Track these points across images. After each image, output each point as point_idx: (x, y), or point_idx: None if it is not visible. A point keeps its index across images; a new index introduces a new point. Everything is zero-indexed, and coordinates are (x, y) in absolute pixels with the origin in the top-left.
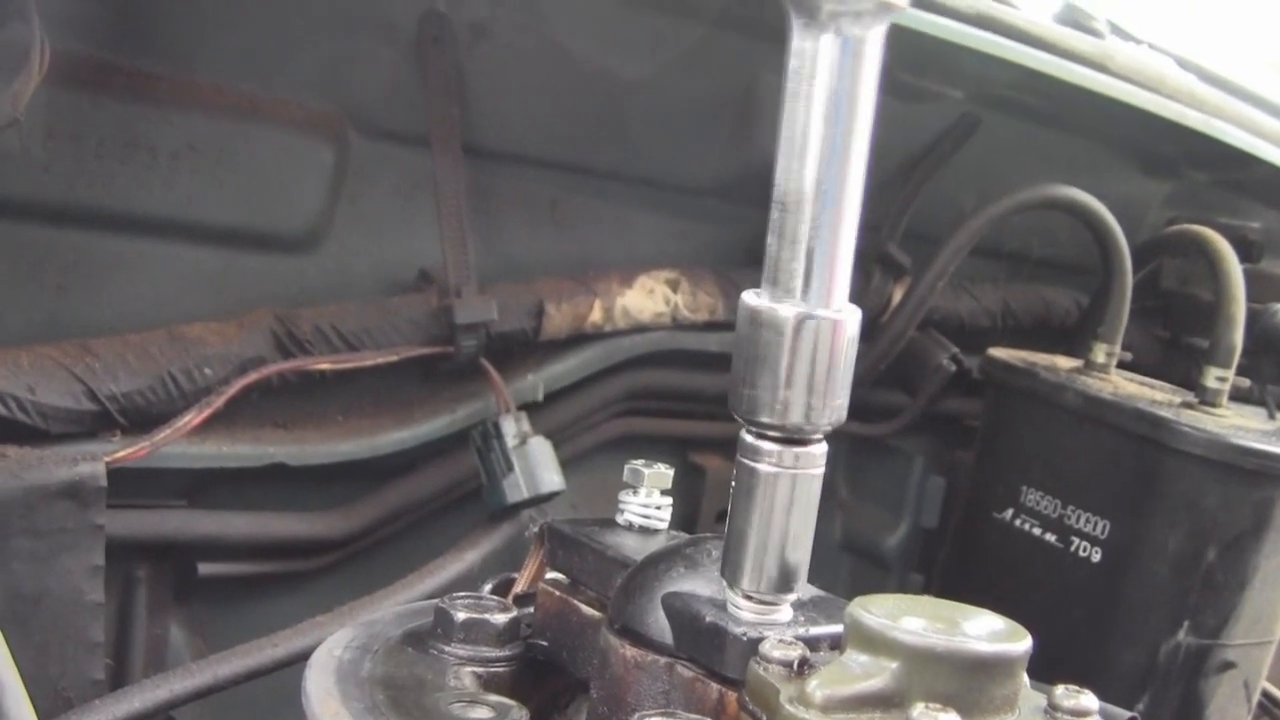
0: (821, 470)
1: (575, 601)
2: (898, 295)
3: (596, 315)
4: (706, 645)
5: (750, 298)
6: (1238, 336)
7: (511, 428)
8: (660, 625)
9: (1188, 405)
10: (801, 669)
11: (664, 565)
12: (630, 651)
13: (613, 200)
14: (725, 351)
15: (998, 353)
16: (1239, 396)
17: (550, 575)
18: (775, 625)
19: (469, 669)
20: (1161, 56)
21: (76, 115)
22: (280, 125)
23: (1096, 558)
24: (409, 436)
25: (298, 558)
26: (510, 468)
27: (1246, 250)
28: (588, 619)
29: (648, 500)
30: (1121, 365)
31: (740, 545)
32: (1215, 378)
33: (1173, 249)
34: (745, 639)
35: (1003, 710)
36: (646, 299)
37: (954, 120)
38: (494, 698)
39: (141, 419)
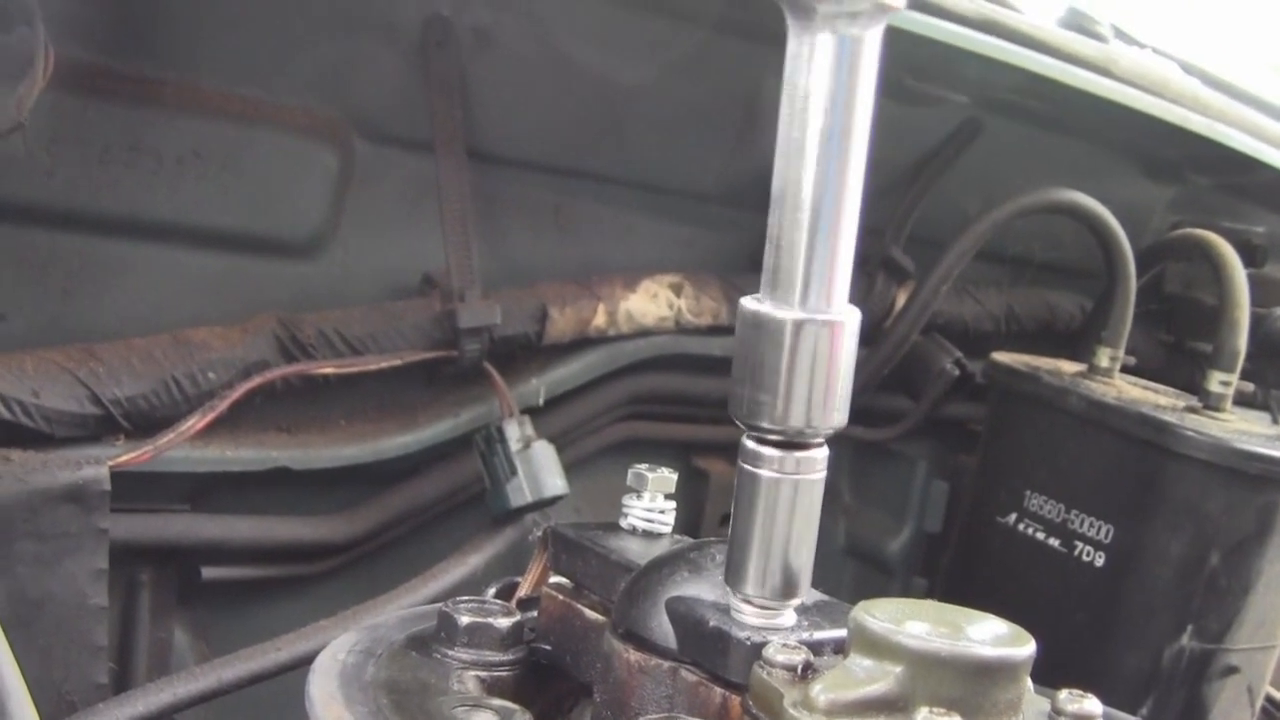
0: (823, 474)
1: (579, 606)
2: (901, 300)
3: (600, 319)
4: (710, 650)
5: (749, 302)
6: (1241, 341)
7: (515, 432)
8: (664, 630)
9: (1191, 410)
10: (805, 673)
11: (668, 570)
12: (634, 656)
13: (616, 205)
14: (728, 356)
15: (1001, 357)
16: (1243, 401)
17: (554, 579)
18: (779, 630)
19: (472, 673)
20: (1165, 61)
21: (81, 120)
22: (285, 130)
23: (1100, 562)
24: (412, 440)
25: (301, 562)
26: (513, 472)
27: (1250, 255)
28: (591, 623)
29: (652, 504)
30: (1125, 369)
31: (743, 550)
32: (1219, 382)
33: (1176, 253)
34: (749, 643)
35: (1006, 715)
36: (650, 303)
37: (958, 124)
38: (497, 702)
39: (145, 423)
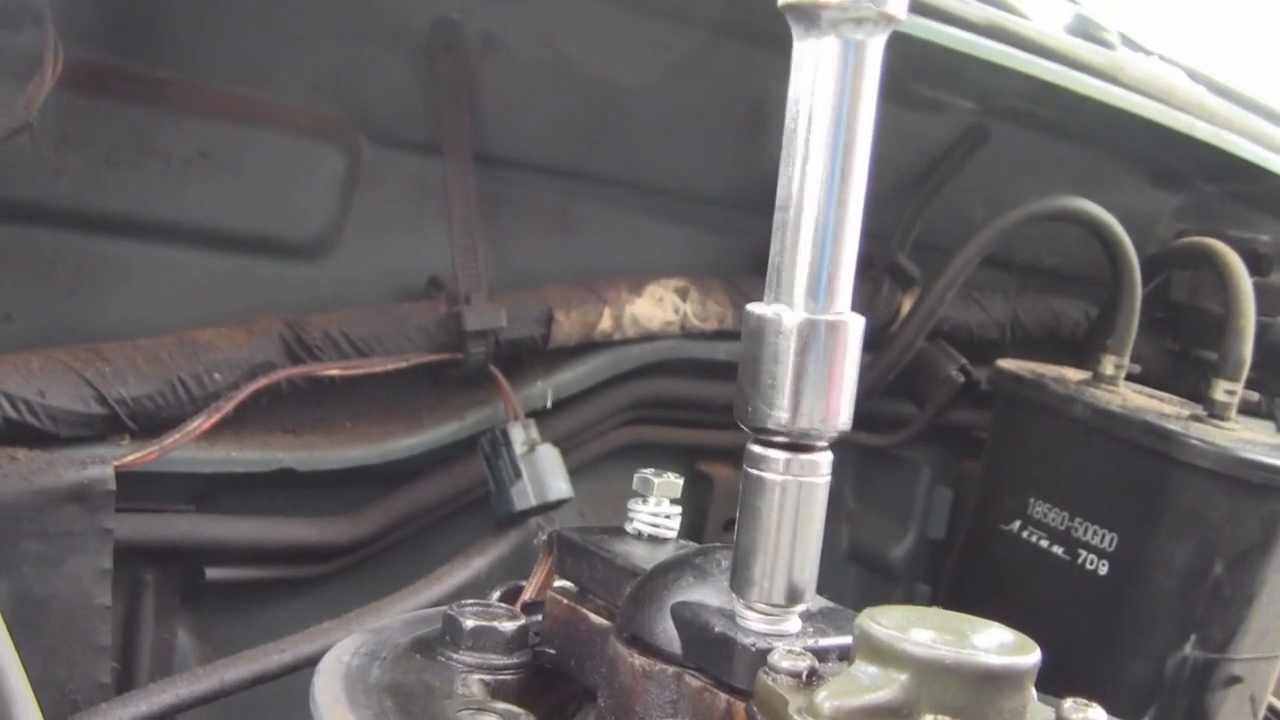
0: (827, 478)
1: (583, 610)
2: (907, 305)
3: (606, 323)
4: (715, 655)
5: (754, 306)
6: (1247, 350)
7: (520, 435)
8: (669, 634)
9: (1196, 418)
10: (810, 680)
11: (673, 574)
12: (638, 660)
13: (622, 209)
14: (734, 360)
15: (1006, 364)
16: (1248, 410)
17: (558, 583)
18: (784, 636)
19: (477, 676)
20: (1172, 68)
21: (89, 121)
22: (292, 132)
23: (1104, 570)
24: (417, 443)
25: (305, 563)
26: (518, 475)
27: (1256, 263)
28: (596, 627)
29: (657, 509)
30: (1130, 377)
31: (748, 555)
32: (1224, 391)
33: (1182, 261)
34: (754, 649)
35: None
36: (656, 307)
37: (964, 131)
38: (501, 705)
39: (150, 423)
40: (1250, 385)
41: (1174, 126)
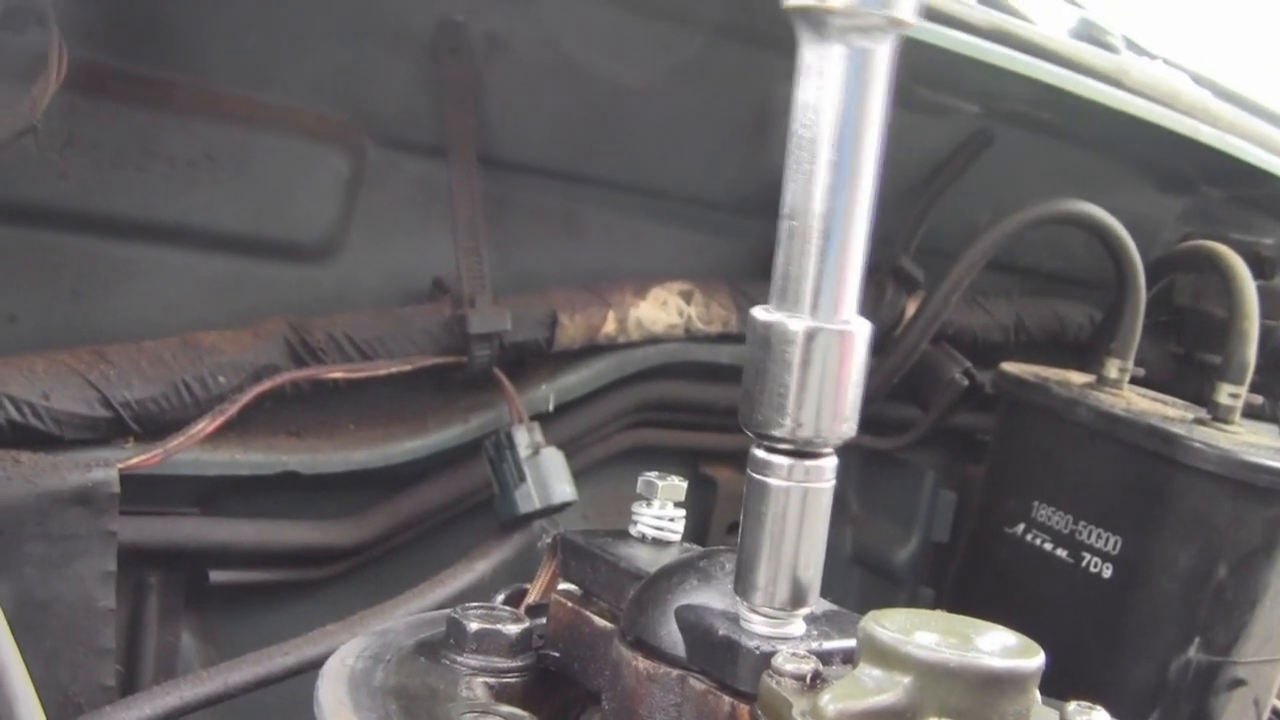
0: (832, 484)
1: (587, 613)
2: (911, 309)
3: (610, 326)
4: (719, 658)
5: (760, 312)
6: (1251, 353)
7: (524, 438)
8: (673, 637)
9: (1200, 421)
10: (814, 683)
11: (677, 578)
12: (642, 663)
13: (626, 211)
14: (738, 364)
15: (1010, 367)
16: (1252, 413)
17: (563, 586)
18: (788, 639)
19: (481, 679)
20: (1177, 72)
21: (94, 123)
22: (296, 134)
23: (1107, 574)
24: (422, 446)
25: (309, 566)
26: (522, 478)
27: (1260, 266)
28: (600, 630)
29: (661, 512)
30: (1134, 381)
31: (752, 559)
32: (1228, 394)
33: (1186, 265)
34: (758, 652)
35: None
36: (660, 310)
37: (969, 134)
38: (505, 708)
39: (155, 426)
40: (1254, 389)
41: (1178, 130)
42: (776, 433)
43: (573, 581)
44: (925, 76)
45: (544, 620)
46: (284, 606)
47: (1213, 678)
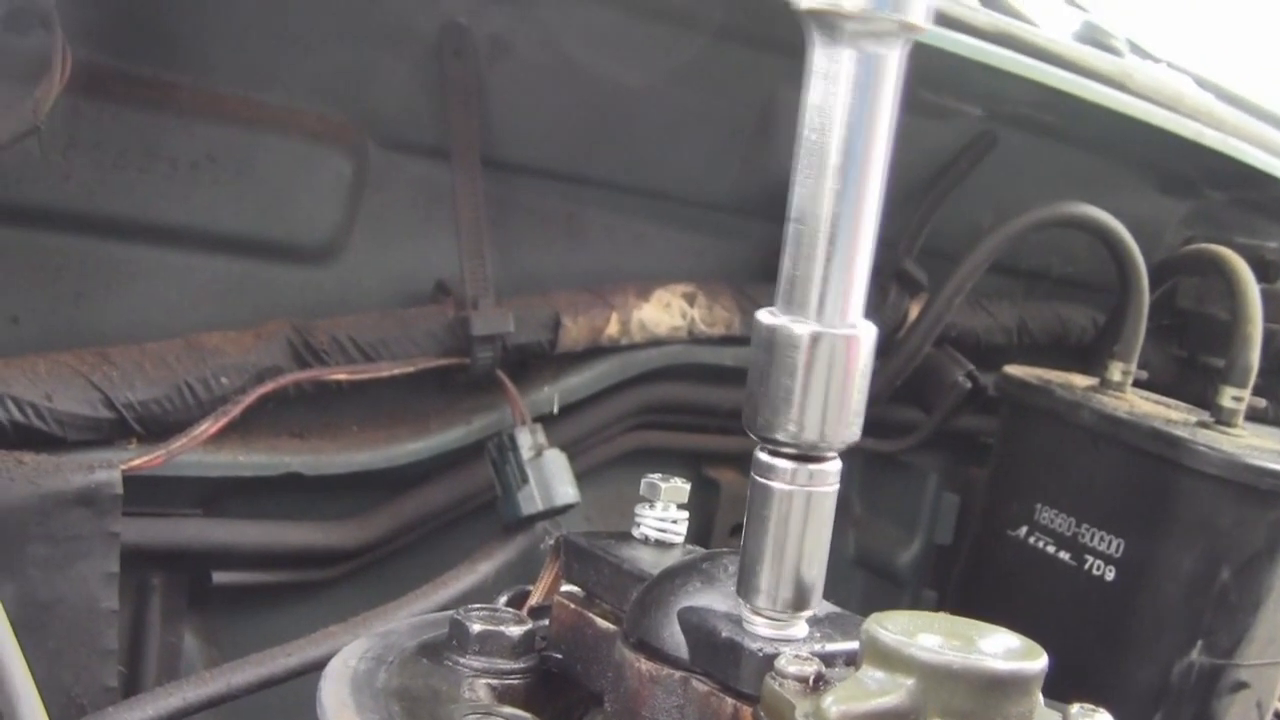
0: (836, 488)
1: (590, 614)
2: (914, 312)
3: (613, 328)
4: (722, 660)
5: (765, 315)
6: (1254, 356)
7: (527, 440)
8: (676, 639)
9: (1203, 425)
10: (817, 685)
11: (680, 580)
12: (645, 665)
13: (629, 214)
14: (740, 366)
15: (1013, 370)
16: (1255, 416)
17: (565, 588)
18: (791, 641)
19: (484, 681)
20: (1180, 75)
21: (97, 124)
22: (299, 136)
23: (1110, 576)
24: (424, 447)
25: (312, 567)
26: (525, 480)
27: (1263, 270)
28: (603, 632)
29: (664, 514)
30: (1137, 384)
31: (756, 562)
32: (1231, 397)
33: (1189, 268)
34: (761, 654)
35: None
36: (663, 312)
37: (972, 137)
38: (508, 710)
39: (158, 427)
40: (1257, 392)
41: (1182, 133)
42: (780, 436)
43: (575, 583)
44: (929, 79)
45: (546, 622)
46: (287, 608)
47: (1215, 680)
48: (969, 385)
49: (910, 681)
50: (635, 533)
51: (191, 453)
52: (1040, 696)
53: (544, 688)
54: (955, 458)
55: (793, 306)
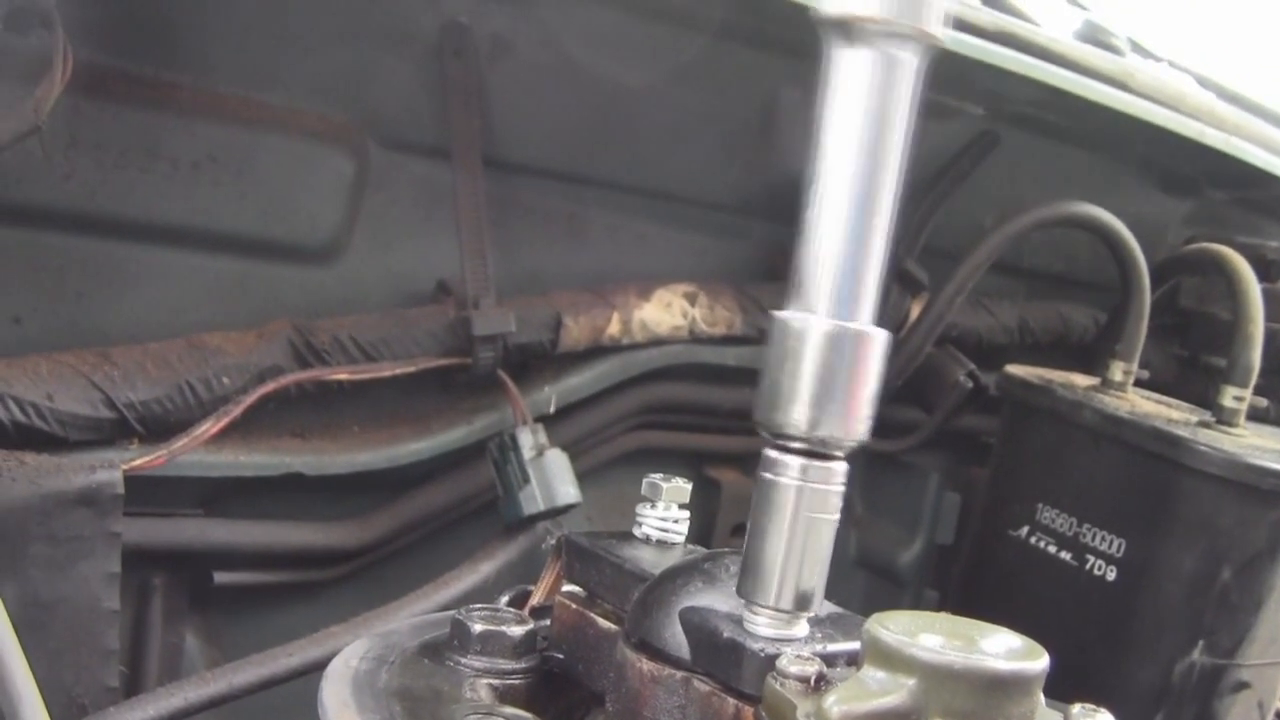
0: (842, 487)
1: (592, 614)
2: (915, 311)
3: (614, 328)
4: (724, 660)
5: (781, 313)
6: (1256, 356)
7: (528, 440)
8: (677, 639)
9: (1205, 424)
10: (818, 685)
11: (682, 580)
12: (647, 665)
13: (630, 213)
14: (742, 366)
15: (1015, 370)
16: (1256, 416)
17: (567, 588)
18: (792, 641)
19: (485, 681)
20: (1182, 74)
21: (98, 124)
22: (300, 135)
23: (1112, 576)
24: (426, 447)
25: (313, 567)
26: (526, 480)
27: (1265, 269)
28: (604, 632)
29: (665, 514)
30: (1139, 383)
31: (759, 561)
32: (1233, 397)
33: (1191, 267)
34: (762, 654)
35: None
36: (664, 312)
37: (973, 136)
38: (509, 710)
39: (159, 427)
40: (1259, 391)
41: (1183, 133)
42: (790, 431)
43: (577, 583)
44: (930, 78)
45: (548, 622)
46: (288, 608)
47: (1217, 680)
48: (970, 385)
49: (912, 681)
50: (637, 533)
51: (193, 453)
52: (1041, 696)
53: (545, 688)
54: (956, 457)
55: (807, 303)
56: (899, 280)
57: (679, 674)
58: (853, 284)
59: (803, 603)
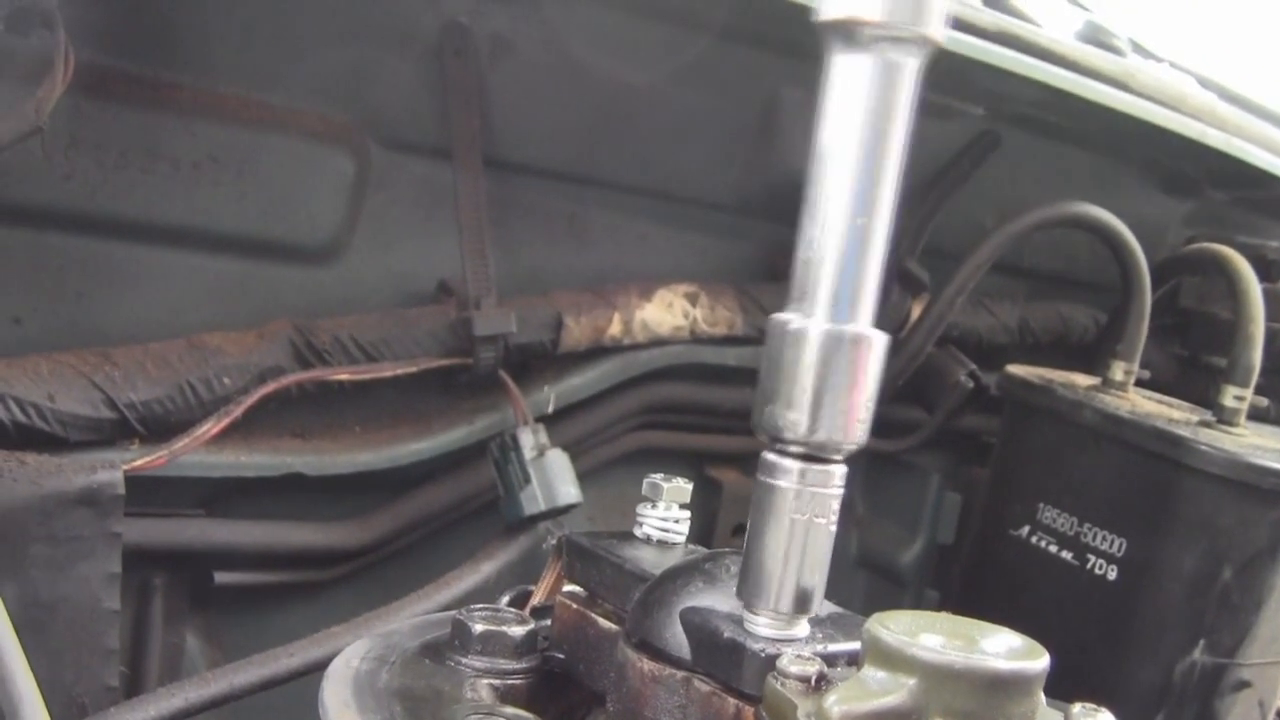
0: (841, 491)
1: (593, 614)
2: (916, 312)
3: (615, 328)
4: (724, 660)
5: (779, 315)
6: (1256, 355)
7: (529, 440)
8: (678, 640)
9: (1205, 424)
10: (819, 685)
11: (682, 580)
12: (647, 665)
13: (631, 213)
14: (743, 366)
15: (1015, 370)
16: (1257, 416)
17: (568, 588)
18: (793, 641)
19: (486, 681)
20: (1183, 75)
21: (99, 124)
22: (301, 136)
23: (1113, 576)
24: (427, 447)
25: (314, 568)
26: (527, 480)
27: (1265, 269)
28: (605, 632)
29: (666, 514)
30: (1139, 383)
31: (758, 563)
32: (1233, 396)
33: (1191, 267)
34: (763, 655)
35: None
36: (665, 312)
37: (974, 137)
38: (510, 710)
39: (160, 427)
40: (1259, 391)
41: (1184, 133)
42: (788, 435)
43: (578, 583)
44: (931, 79)
45: (549, 622)
46: (289, 608)
47: (1218, 680)
48: (971, 385)
49: (912, 681)
50: (637, 533)
51: (194, 453)
52: (1042, 696)
53: (546, 688)
54: (957, 457)
55: (806, 307)
56: (900, 280)
57: (679, 674)
58: (851, 287)
59: (802, 606)
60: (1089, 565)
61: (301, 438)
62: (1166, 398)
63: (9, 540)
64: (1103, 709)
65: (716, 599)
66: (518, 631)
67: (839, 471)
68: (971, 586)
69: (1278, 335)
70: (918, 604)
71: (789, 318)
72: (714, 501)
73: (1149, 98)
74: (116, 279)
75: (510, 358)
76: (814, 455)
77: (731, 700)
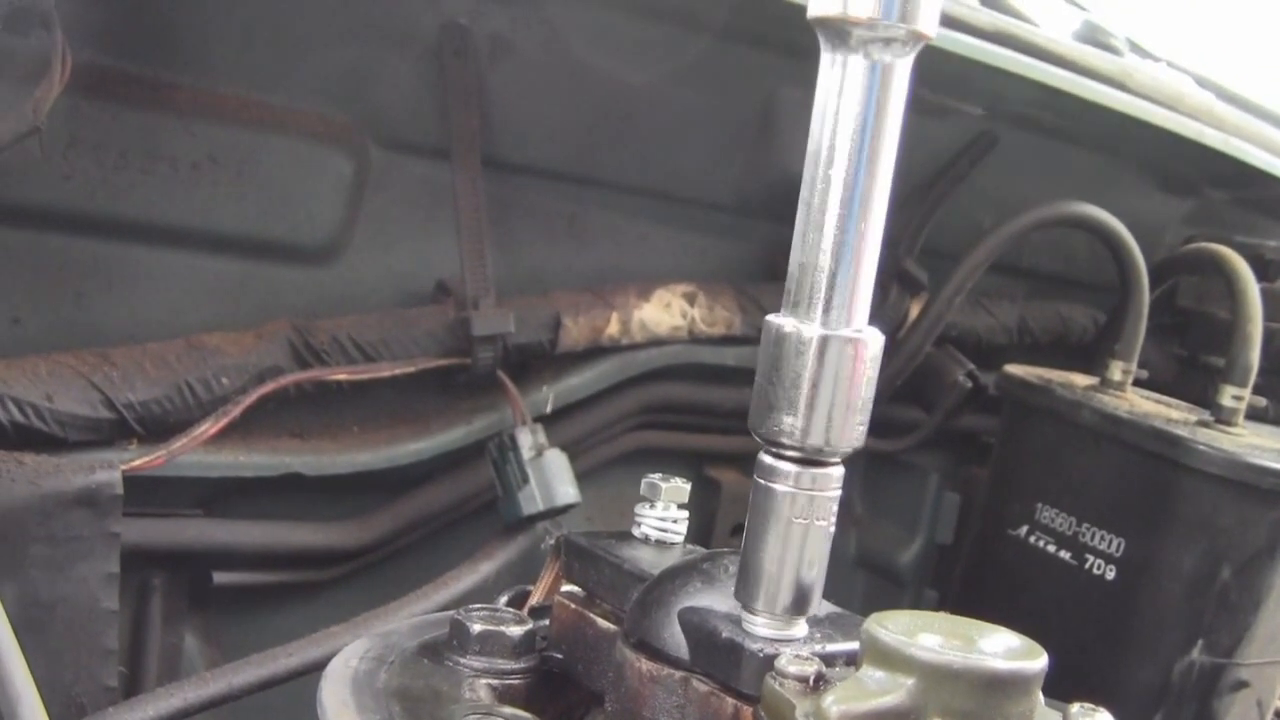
0: (838, 493)
1: (591, 614)
2: (915, 311)
3: (613, 328)
4: (722, 660)
5: (773, 318)
6: (1254, 355)
7: (528, 440)
8: (676, 640)
9: (1204, 424)
10: (817, 685)
11: (680, 580)
12: (646, 665)
13: (630, 214)
14: (742, 366)
15: (1014, 369)
16: (1255, 415)
17: (566, 588)
18: (791, 641)
19: (484, 681)
20: (1181, 75)
21: (98, 125)
22: (300, 136)
23: (1111, 575)
24: (425, 447)
25: (313, 568)
26: (526, 480)
27: (1263, 269)
28: (603, 632)
29: (664, 514)
30: (1138, 383)
31: (756, 564)
32: (1231, 396)
33: (1190, 267)
34: (761, 655)
35: None
36: (663, 312)
37: (972, 136)
38: (508, 710)
39: (158, 428)
40: (1257, 391)
41: (1182, 133)
42: (785, 440)
43: (576, 583)
44: (929, 79)
45: (547, 622)
46: (287, 608)
47: (1216, 679)
48: (970, 385)
49: (910, 681)
50: (636, 532)
51: (192, 453)
52: (1040, 696)
53: (545, 688)
54: (956, 457)
55: (800, 310)
56: (898, 280)
57: (678, 674)
58: (845, 289)
59: (800, 606)
60: (1087, 565)
61: (300, 438)
62: (1165, 397)
63: (8, 540)
64: (1101, 709)
65: (715, 599)
66: (516, 631)
67: (836, 474)
68: (970, 586)
69: (1276, 335)
70: (916, 604)
71: (783, 321)
72: (712, 501)
73: (1146, 97)
74: (115, 279)
75: (509, 358)
76: (811, 459)
77: (730, 700)
